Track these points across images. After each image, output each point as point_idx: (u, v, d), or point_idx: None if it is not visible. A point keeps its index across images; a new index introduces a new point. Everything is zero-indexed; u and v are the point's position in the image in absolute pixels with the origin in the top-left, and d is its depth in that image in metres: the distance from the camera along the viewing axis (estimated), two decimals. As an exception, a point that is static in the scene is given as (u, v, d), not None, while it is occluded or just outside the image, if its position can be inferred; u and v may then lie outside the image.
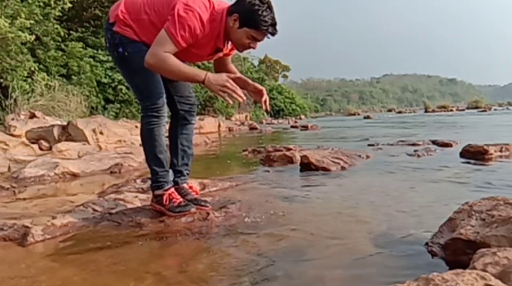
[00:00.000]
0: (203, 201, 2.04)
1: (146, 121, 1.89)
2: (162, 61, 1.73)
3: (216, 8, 1.81)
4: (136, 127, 6.72)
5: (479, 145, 3.83)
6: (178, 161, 2.08)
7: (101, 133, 5.24)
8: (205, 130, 11.02)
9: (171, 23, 1.72)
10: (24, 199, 2.58)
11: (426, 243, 1.45)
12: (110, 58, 10.65)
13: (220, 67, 2.08)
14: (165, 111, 1.92)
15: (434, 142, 5.24)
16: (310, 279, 1.23)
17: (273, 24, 1.80)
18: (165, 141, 1.96)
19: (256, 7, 1.76)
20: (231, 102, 1.80)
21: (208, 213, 1.92)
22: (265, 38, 1.85)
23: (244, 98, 1.77)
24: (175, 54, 1.75)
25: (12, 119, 5.62)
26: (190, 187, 2.13)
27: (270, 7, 1.79)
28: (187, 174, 2.14)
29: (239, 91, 1.76)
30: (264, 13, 1.76)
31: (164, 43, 1.73)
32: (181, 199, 1.97)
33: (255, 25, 1.78)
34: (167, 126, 2.04)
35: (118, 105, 11.31)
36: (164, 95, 1.90)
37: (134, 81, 1.92)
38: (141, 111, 1.92)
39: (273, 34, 1.82)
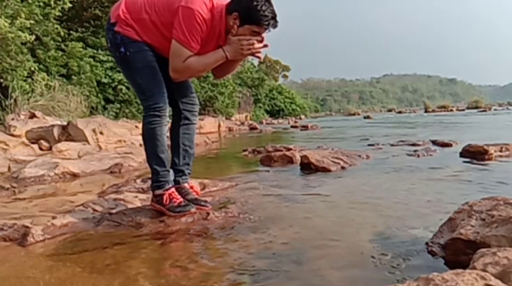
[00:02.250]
0: (203, 201, 2.04)
1: (147, 121, 1.89)
2: (186, 70, 1.84)
3: (216, 6, 1.81)
4: (136, 127, 6.73)
5: (479, 145, 3.83)
6: (179, 161, 2.08)
7: (101, 133, 5.24)
8: (205, 130, 11.02)
9: (179, 31, 1.76)
10: (24, 199, 2.58)
11: (426, 243, 1.45)
12: (110, 58, 10.63)
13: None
14: (167, 110, 1.93)
15: (434, 142, 5.24)
16: (310, 279, 1.24)
17: (274, 17, 1.81)
18: (166, 140, 1.96)
19: (255, 3, 1.77)
20: (261, 56, 1.92)
21: (208, 213, 1.92)
22: (267, 31, 1.86)
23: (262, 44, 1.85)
24: None
25: (12, 119, 5.61)
26: (191, 187, 2.13)
27: (268, 0, 1.80)
28: (188, 173, 2.14)
29: (254, 41, 1.81)
30: (264, 8, 1.77)
31: (179, 53, 1.79)
32: (181, 199, 1.96)
33: (256, 21, 1.79)
34: (169, 125, 2.04)
35: (118, 105, 11.30)
36: (166, 95, 1.90)
37: (136, 81, 1.92)
38: (143, 111, 1.93)
39: (274, 27, 1.83)
